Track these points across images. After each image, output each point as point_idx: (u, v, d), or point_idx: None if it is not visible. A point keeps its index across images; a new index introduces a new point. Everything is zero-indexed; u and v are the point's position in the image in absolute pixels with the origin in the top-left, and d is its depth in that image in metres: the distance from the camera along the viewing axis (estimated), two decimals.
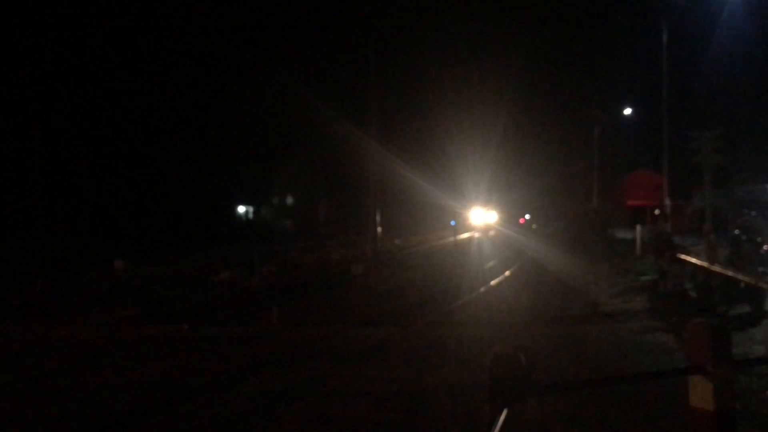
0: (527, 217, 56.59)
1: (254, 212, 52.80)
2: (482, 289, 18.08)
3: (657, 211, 36.64)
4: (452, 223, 42.55)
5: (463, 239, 36.45)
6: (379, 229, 23.86)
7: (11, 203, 31.41)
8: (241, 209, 51.88)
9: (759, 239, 17.08)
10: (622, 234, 34.57)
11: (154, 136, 37.82)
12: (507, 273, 21.35)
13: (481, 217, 44.27)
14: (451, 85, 39.58)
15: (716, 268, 12.35)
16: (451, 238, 36.13)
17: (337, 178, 38.00)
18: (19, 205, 31.67)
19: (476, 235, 42.42)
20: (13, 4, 34.96)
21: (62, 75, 34.96)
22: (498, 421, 2.58)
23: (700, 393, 3.19)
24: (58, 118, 34.86)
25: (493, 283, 19.25)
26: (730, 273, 12.06)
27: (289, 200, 49.66)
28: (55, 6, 34.70)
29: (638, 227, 28.71)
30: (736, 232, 17.07)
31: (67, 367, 9.55)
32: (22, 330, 12.54)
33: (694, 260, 13.23)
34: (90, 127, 36.08)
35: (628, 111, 44.14)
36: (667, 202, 26.49)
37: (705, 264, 12.81)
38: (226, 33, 35.41)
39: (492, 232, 43.95)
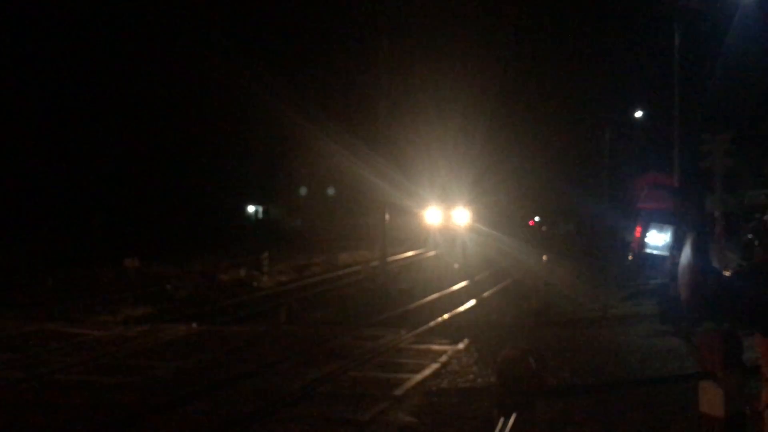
0: (537, 219, 56.31)
1: (264, 212, 52.87)
2: (493, 290, 18.10)
3: None
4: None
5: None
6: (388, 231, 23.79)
7: (23, 200, 31.61)
8: (251, 209, 51.95)
9: None
10: (632, 237, 34.27)
11: (165, 135, 37.95)
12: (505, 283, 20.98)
13: (437, 218, 29.63)
14: (451, 82, 38.82)
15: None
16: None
17: (346, 179, 37.94)
18: (31, 202, 31.87)
19: (432, 252, 28.48)
20: (33, 6, 35.19)
21: (75, 76, 35.20)
22: (507, 425, 2.58)
23: (711, 399, 3.17)
24: (71, 117, 35.09)
25: (500, 287, 19.24)
26: None
27: (299, 198, 49.62)
28: (66, 9, 34.85)
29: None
30: (749, 236, 16.94)
31: (77, 365, 9.60)
32: (32, 327, 12.59)
33: None
34: (102, 127, 36.30)
35: (638, 114, 43.91)
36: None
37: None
38: (235, 36, 35.47)
39: (463, 248, 27.46)
